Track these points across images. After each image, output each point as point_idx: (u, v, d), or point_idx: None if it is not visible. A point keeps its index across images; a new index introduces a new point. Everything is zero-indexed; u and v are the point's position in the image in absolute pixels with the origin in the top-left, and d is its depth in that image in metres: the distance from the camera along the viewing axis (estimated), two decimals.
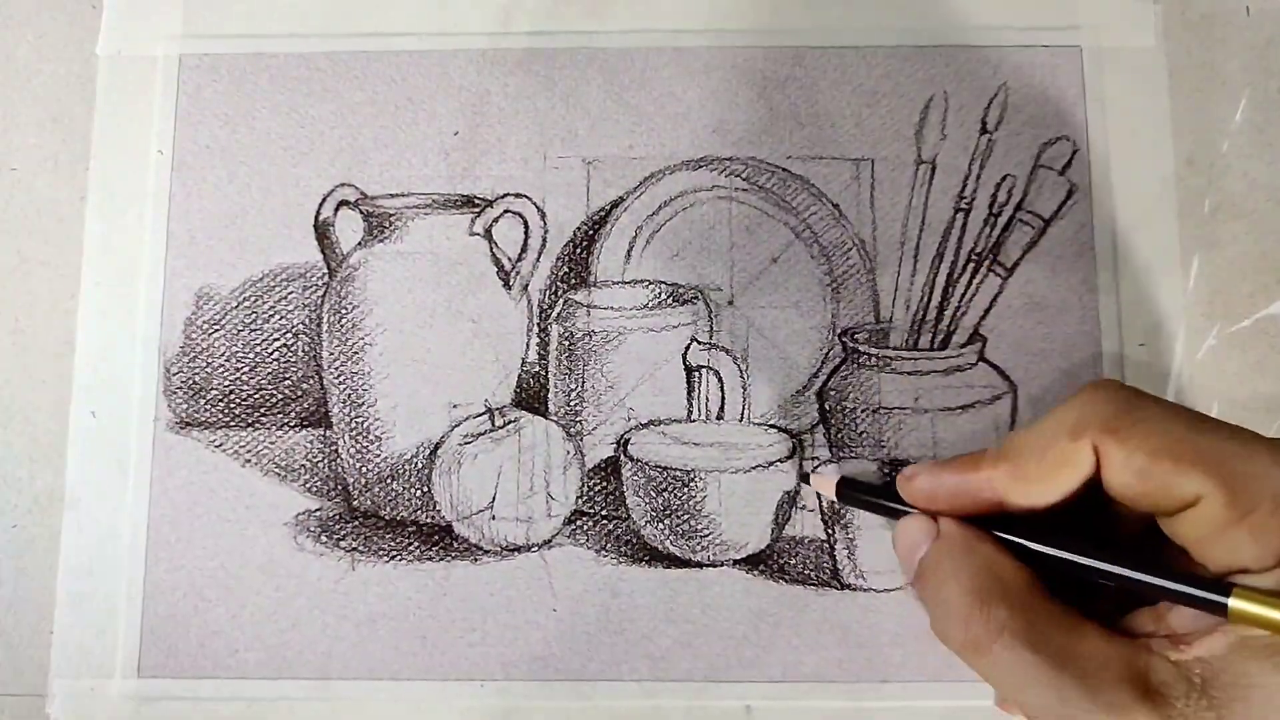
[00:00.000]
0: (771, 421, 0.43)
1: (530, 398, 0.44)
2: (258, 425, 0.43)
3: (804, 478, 0.41)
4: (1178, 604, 0.30)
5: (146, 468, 0.42)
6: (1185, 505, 0.29)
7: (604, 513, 0.43)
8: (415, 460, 0.43)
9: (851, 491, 0.38)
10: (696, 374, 0.43)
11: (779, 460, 0.42)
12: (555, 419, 0.43)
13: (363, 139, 0.44)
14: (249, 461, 0.43)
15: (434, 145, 0.44)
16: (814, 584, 0.41)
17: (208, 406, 0.43)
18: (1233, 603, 0.28)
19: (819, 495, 0.41)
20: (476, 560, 0.42)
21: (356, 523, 0.43)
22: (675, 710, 0.40)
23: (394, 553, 0.42)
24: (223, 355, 0.43)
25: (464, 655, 0.41)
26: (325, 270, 0.44)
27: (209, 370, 0.43)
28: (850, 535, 0.41)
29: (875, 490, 0.37)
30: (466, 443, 0.42)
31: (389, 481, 0.43)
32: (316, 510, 0.42)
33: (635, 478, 0.42)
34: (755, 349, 0.43)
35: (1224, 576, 0.29)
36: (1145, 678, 0.28)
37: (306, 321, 0.44)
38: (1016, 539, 0.32)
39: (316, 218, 0.44)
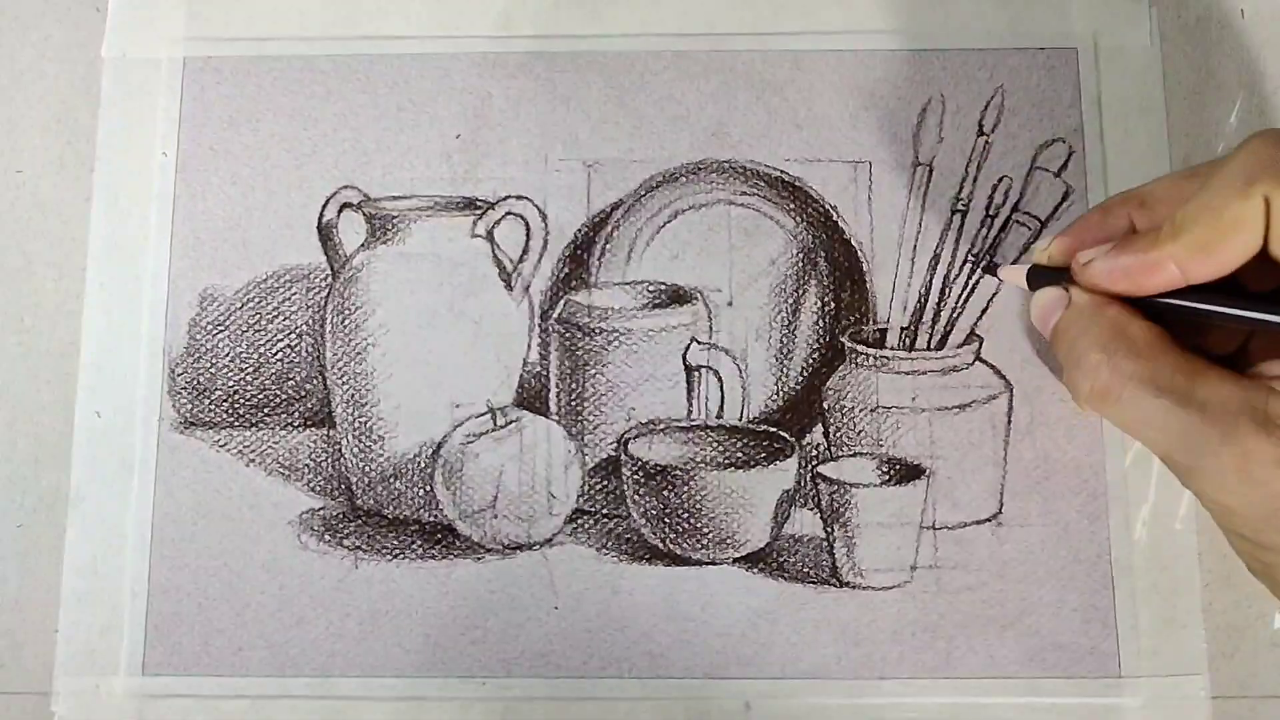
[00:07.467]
0: (771, 421, 0.44)
1: (531, 397, 0.44)
2: (262, 425, 0.43)
3: (990, 269, 0.42)
4: None
5: (151, 467, 0.42)
6: None
7: (605, 511, 0.43)
8: (418, 460, 0.43)
9: (1041, 278, 0.37)
10: (696, 374, 0.44)
11: (778, 459, 0.42)
12: (556, 419, 0.44)
13: (365, 141, 0.45)
14: (253, 461, 0.43)
15: (436, 148, 0.45)
16: (813, 582, 0.41)
17: (212, 407, 0.43)
18: None
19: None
20: (479, 559, 0.42)
21: (359, 521, 0.43)
22: (675, 707, 0.40)
23: (397, 551, 0.42)
24: (227, 356, 0.44)
25: (466, 652, 0.41)
26: (329, 272, 0.44)
27: (213, 371, 0.43)
28: (849, 534, 0.41)
29: (1064, 273, 0.36)
30: (469, 442, 0.42)
31: (392, 481, 0.43)
32: (320, 509, 0.43)
33: (636, 477, 0.42)
34: (755, 349, 0.44)
35: None
36: (1264, 411, 0.30)
37: (310, 322, 0.44)
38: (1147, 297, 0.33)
39: (320, 219, 0.44)
